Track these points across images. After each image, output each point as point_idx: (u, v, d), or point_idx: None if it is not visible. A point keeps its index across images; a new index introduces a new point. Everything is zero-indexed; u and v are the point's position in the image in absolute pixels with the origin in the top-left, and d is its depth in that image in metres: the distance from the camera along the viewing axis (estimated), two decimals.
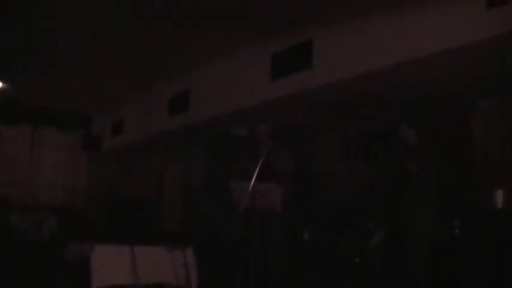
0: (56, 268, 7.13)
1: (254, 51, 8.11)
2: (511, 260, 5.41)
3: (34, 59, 8.98)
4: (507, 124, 6.67)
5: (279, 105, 8.13)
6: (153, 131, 10.84)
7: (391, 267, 5.75)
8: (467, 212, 6.29)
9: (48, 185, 12.78)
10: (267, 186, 5.40)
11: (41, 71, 9.63)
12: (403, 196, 5.54)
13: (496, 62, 5.99)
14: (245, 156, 6.17)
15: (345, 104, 7.95)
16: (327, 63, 7.06)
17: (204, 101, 9.24)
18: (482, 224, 5.87)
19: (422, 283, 5.37)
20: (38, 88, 10.82)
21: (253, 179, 5.37)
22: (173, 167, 12.37)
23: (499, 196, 5.90)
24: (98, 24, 7.56)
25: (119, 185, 12.94)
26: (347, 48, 6.85)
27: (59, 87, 10.64)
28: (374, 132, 8.30)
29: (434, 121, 7.25)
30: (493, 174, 6.53)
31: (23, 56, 8.85)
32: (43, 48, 8.50)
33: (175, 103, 9.96)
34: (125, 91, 10.84)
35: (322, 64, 7.11)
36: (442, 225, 6.11)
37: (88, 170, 13.37)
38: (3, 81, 10.32)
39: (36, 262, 8.36)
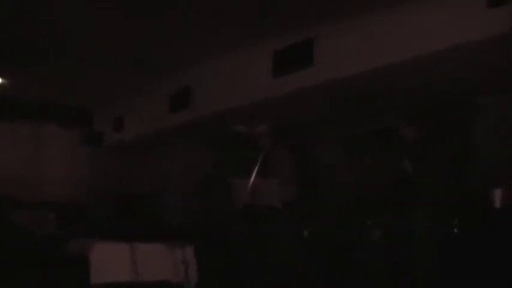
0: (56, 264, 7.13)
1: (256, 49, 8.10)
2: (508, 259, 5.41)
3: (34, 55, 8.97)
4: (507, 122, 6.67)
5: (281, 102, 8.13)
6: (154, 128, 10.84)
7: (390, 264, 5.76)
8: (465, 210, 6.29)
9: (49, 181, 12.75)
10: (266, 183, 5.42)
11: (41, 67, 9.61)
12: (403, 194, 5.55)
13: (497, 61, 5.99)
14: (246, 154, 6.18)
15: (347, 102, 7.95)
16: (328, 60, 7.07)
17: (205, 98, 9.23)
18: (480, 222, 5.87)
19: (421, 280, 5.38)
20: (39, 84, 10.80)
21: (253, 176, 5.40)
22: (175, 164, 12.37)
23: (497, 195, 5.90)
24: (99, 20, 7.54)
25: (120, 181, 12.93)
26: (348, 46, 6.86)
27: (60, 83, 10.63)
28: (375, 130, 8.30)
29: (435, 119, 7.24)
30: (492, 173, 6.53)
31: (23, 52, 8.83)
32: (43, 45, 8.48)
33: (176, 100, 9.95)
34: (127, 87, 10.83)
35: (324, 62, 7.11)
36: (440, 224, 6.11)
37: (90, 166, 13.36)
38: (2, 77, 10.32)
39: (37, 258, 8.37)
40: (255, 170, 5.54)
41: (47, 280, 6.97)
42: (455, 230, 6.16)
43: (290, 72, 7.51)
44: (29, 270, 7.56)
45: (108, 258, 6.20)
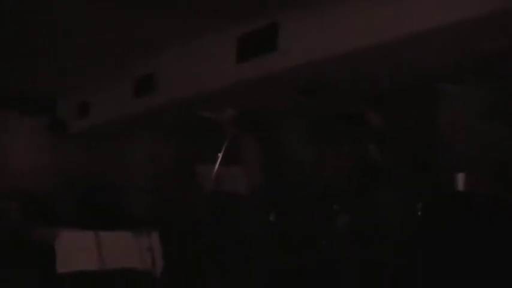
0: (21, 254, 7.06)
1: (219, 34, 8.05)
2: (467, 240, 5.50)
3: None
4: (471, 109, 6.75)
5: (245, 88, 8.11)
6: (119, 114, 10.74)
7: (357, 248, 5.82)
8: (429, 194, 6.37)
9: (12, 170, 12.60)
10: (231, 169, 5.42)
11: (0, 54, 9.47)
12: (369, 180, 5.60)
13: (461, 49, 6.04)
14: (212, 140, 6.17)
15: (312, 88, 7.95)
16: (293, 46, 7.03)
17: (169, 84, 9.16)
18: (442, 206, 5.95)
19: (387, 263, 5.45)
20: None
21: (218, 162, 5.39)
22: (141, 150, 12.30)
23: (460, 179, 5.98)
24: (61, 7, 7.42)
25: (85, 169, 12.82)
26: (314, 31, 6.81)
27: (21, 70, 10.46)
28: (341, 117, 8.32)
29: (401, 105, 7.29)
30: (457, 159, 6.60)
31: None
32: (3, 32, 8.33)
33: (141, 85, 9.86)
34: (90, 73, 10.70)
35: (288, 47, 7.07)
36: (407, 209, 6.18)
37: (54, 154, 13.20)
38: None
39: (2, 248, 8.26)
40: (220, 157, 5.53)
41: (13, 270, 6.90)
42: (419, 213, 6.23)
43: (254, 58, 7.47)
44: None
45: (74, 247, 6.15)
